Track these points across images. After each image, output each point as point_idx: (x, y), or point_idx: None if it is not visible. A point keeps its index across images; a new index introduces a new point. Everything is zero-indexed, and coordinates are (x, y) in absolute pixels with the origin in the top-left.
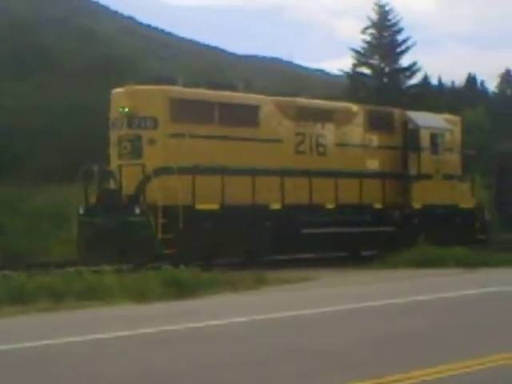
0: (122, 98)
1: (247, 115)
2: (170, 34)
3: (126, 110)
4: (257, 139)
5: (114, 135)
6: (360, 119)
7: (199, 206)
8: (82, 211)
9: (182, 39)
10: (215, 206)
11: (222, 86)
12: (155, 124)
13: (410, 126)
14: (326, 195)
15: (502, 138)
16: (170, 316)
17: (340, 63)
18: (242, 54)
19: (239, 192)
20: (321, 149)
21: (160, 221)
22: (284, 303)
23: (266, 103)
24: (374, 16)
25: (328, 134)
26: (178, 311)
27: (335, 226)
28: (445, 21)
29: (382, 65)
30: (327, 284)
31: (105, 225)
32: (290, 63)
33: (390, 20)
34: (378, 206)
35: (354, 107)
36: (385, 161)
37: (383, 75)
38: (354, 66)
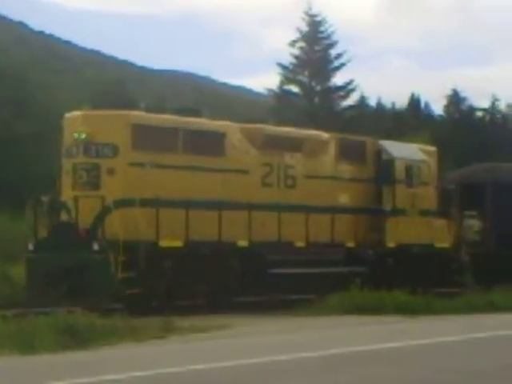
0: (77, 123)
1: (213, 143)
2: (68, 42)
3: (83, 136)
4: (223, 169)
5: (67, 163)
6: (331, 149)
7: (163, 243)
8: (31, 247)
9: (83, 50)
10: (178, 243)
11: (186, 111)
12: (115, 152)
13: (384, 156)
14: (295, 232)
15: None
16: (58, 369)
17: (265, 80)
18: (153, 68)
19: (204, 227)
20: (289, 181)
21: (120, 258)
22: (190, 355)
23: (233, 130)
24: (304, 27)
25: (297, 164)
26: (69, 363)
27: (305, 266)
28: (385, 34)
29: (313, 83)
30: (242, 333)
31: (58, 262)
32: (206, 79)
33: (322, 32)
34: (350, 244)
35: (325, 135)
36: (357, 194)
37: (314, 94)
38: (281, 83)
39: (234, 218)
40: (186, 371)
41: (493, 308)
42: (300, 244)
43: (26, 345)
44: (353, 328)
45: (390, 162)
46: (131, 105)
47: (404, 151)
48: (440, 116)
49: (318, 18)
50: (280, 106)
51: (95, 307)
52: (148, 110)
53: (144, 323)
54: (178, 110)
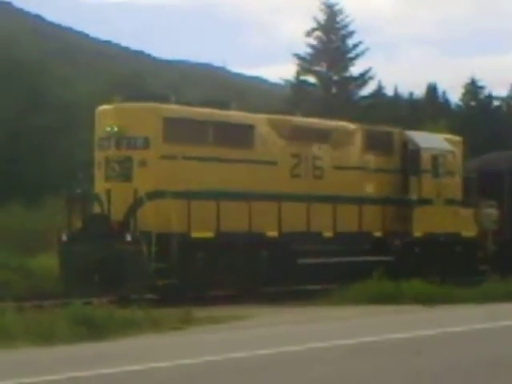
0: (109, 116)
1: (242, 135)
2: (84, 35)
3: (115, 128)
4: (252, 161)
5: (99, 156)
6: (358, 140)
7: (194, 234)
8: (65, 238)
9: (99, 41)
10: (210, 234)
11: (215, 104)
12: (147, 144)
13: (410, 146)
14: (323, 222)
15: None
16: (75, 360)
17: (281, 70)
18: (169, 59)
19: (234, 218)
20: (317, 172)
21: (153, 249)
22: (211, 346)
23: (261, 122)
24: (321, 17)
25: (325, 155)
26: (86, 355)
27: (333, 255)
28: (403, 23)
29: (330, 73)
30: (260, 324)
31: (92, 253)
32: (222, 69)
33: (339, 22)
34: (377, 234)
35: (351, 126)
36: (384, 185)
37: (331, 84)
38: (298, 73)
39: (263, 209)
40: (202, 362)
41: (511, 297)
42: (328, 234)
43: (44, 336)
44: (372, 317)
45: (416, 152)
46: (162, 97)
47: (430, 141)
48: (457, 105)
49: (336, 8)
50: (297, 96)
51: (128, 298)
52: (178, 102)
53: (163, 314)
54: (207, 103)
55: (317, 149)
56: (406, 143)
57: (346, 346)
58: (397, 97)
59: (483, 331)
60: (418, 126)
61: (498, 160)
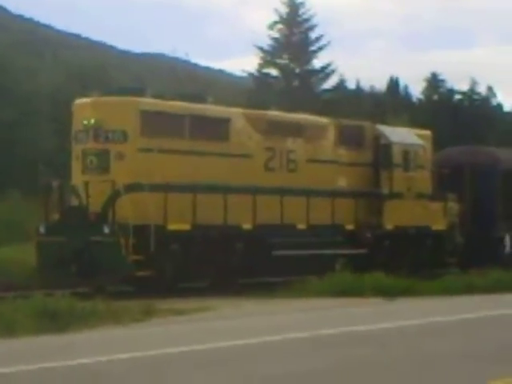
0: (87, 110)
1: (218, 129)
2: (48, 26)
3: (93, 122)
4: (227, 154)
5: (77, 149)
6: (330, 134)
7: (171, 226)
8: (42, 230)
9: (65, 33)
10: (186, 226)
11: (192, 97)
12: (124, 137)
13: (382, 141)
14: (297, 215)
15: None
16: (36, 352)
17: (244, 63)
18: (133, 51)
19: (211, 211)
20: (291, 165)
21: (130, 241)
22: (166, 338)
23: (237, 116)
24: (284, 10)
25: (298, 149)
26: (47, 347)
27: (306, 247)
28: (365, 17)
29: (292, 65)
30: (222, 316)
31: (69, 245)
32: (186, 62)
33: (301, 15)
34: (349, 226)
35: (324, 121)
36: (356, 178)
37: (293, 77)
38: (260, 66)
39: (238, 202)
40: (155, 355)
41: (471, 290)
42: (301, 226)
43: (5, 328)
44: (332, 310)
45: (388, 146)
46: (139, 91)
47: (401, 136)
48: (419, 99)
49: (298, 1)
50: (259, 89)
51: (105, 289)
52: (155, 96)
53: (125, 306)
54: (184, 96)
55: (291, 143)
56: (377, 137)
57: (301, 339)
58: (359, 90)
59: (440, 324)
60: (380, 119)
61: (458, 154)
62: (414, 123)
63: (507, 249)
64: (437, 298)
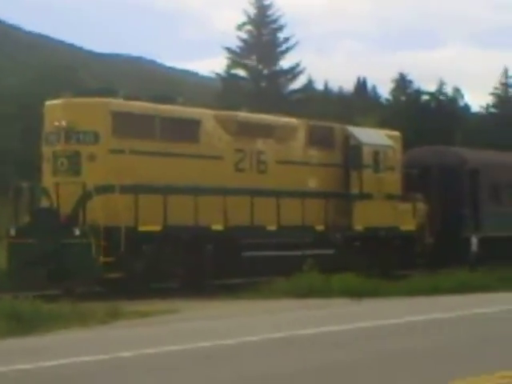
0: (58, 111)
1: (188, 130)
2: (18, 28)
3: (64, 123)
4: (198, 156)
5: (48, 151)
6: (301, 135)
7: (142, 228)
8: (13, 232)
9: (33, 34)
10: (157, 228)
11: (163, 99)
12: (96, 139)
13: (352, 142)
14: (267, 216)
15: None
16: (3, 355)
17: (213, 63)
18: (100, 51)
19: (181, 212)
20: (261, 166)
21: (101, 243)
22: (135, 340)
23: (207, 117)
24: (252, 11)
25: (269, 150)
26: (13, 349)
27: (276, 248)
28: (334, 18)
29: (260, 66)
30: (187, 318)
31: (40, 247)
32: (153, 62)
33: (269, 16)
34: (319, 227)
35: (295, 122)
36: (326, 179)
37: (261, 78)
38: (228, 67)
39: (208, 203)
40: (121, 357)
41: (436, 291)
42: (272, 228)
43: None
44: (297, 311)
45: (358, 147)
46: (110, 92)
47: (371, 137)
48: (387, 100)
49: (266, 2)
50: (227, 90)
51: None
52: (126, 97)
53: (92, 308)
54: (155, 97)
55: (261, 144)
56: (347, 138)
57: (262, 341)
58: (327, 91)
59: (404, 325)
60: (348, 120)
61: (426, 154)
62: (382, 124)
63: (474, 249)
64: (403, 298)
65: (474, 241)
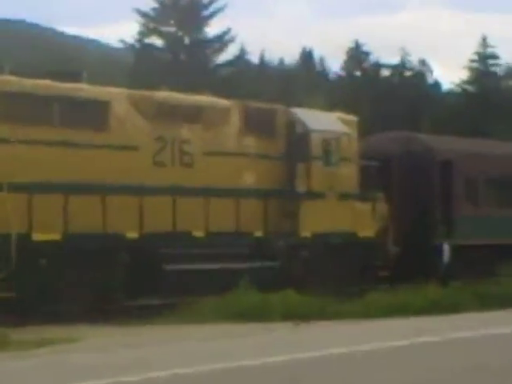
0: None
1: (95, 114)
2: None
3: None
4: (107, 146)
5: None
6: (235, 119)
7: (37, 237)
8: None
9: None
10: (56, 236)
11: (62, 75)
12: None
13: (298, 128)
14: (193, 220)
15: None
16: None
17: (121, 31)
18: None
19: (86, 217)
20: (186, 159)
21: None
22: (24, 375)
23: (119, 99)
24: None
25: (195, 138)
26: None
27: (206, 260)
28: None
29: (180, 34)
30: (88, 348)
31: None
32: (51, 30)
33: None
34: (258, 233)
35: (227, 104)
36: (266, 174)
37: (181, 48)
38: (141, 34)
39: (121, 205)
40: None
41: (400, 311)
42: (199, 234)
43: None
44: (229, 340)
45: (305, 134)
46: None
47: (321, 122)
48: (338, 75)
49: None
50: (139, 63)
51: None
52: (14, 73)
53: None
54: (53, 74)
55: (186, 131)
56: (292, 124)
57: (172, 377)
58: (264, 65)
59: (351, 355)
60: (291, 101)
61: (386, 142)
62: (334, 106)
63: (445, 259)
64: (358, 321)
65: (446, 249)
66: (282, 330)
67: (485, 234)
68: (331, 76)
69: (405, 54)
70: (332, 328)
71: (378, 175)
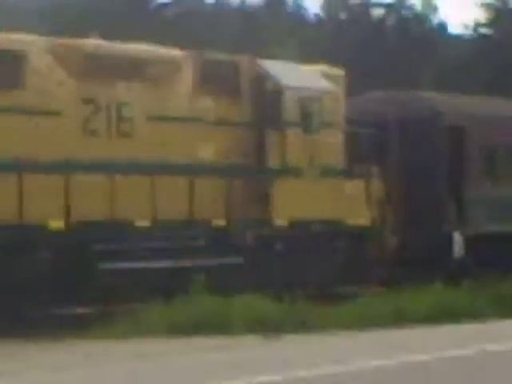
0: None
1: (5, 69)
2: None
3: None
4: (21, 110)
5: None
6: (187, 75)
7: None
8: None
9: None
10: None
11: None
12: None
13: (269, 85)
14: (136, 205)
15: None
16: None
17: None
18: None
19: None
20: (125, 126)
21: None
22: None
23: (37, 49)
24: None
25: (136, 100)
26: None
27: (151, 257)
28: None
29: None
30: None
31: None
32: None
33: None
34: (218, 222)
35: (177, 55)
36: (228, 145)
37: None
38: None
39: (41, 186)
40: None
41: (400, 319)
42: (143, 223)
43: None
44: (175, 358)
45: (278, 93)
46: None
47: (298, 77)
48: (318, 16)
49: None
50: (57, 4)
51: None
52: None
53: None
54: None
55: (123, 90)
56: (260, 80)
57: None
58: (220, 4)
59: (336, 377)
60: (258, 51)
61: (380, 103)
62: (310, 56)
63: (457, 252)
64: (346, 333)
65: (458, 240)
66: (246, 346)
67: (507, 220)
68: (309, 19)
69: None
70: (312, 342)
71: (372, 146)
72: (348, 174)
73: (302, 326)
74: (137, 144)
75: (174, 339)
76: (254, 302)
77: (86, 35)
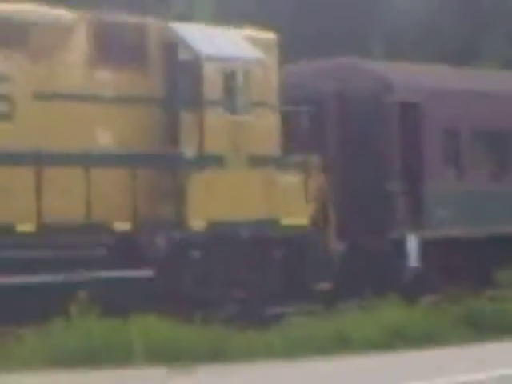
0: None
1: None
2: None
3: None
4: None
5: None
6: (81, 42)
7: None
8: None
9: None
10: None
11: None
12: None
13: (183, 54)
14: (16, 205)
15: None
16: None
17: None
18: None
19: None
20: (3, 106)
21: None
22: None
23: None
24: None
25: (17, 74)
26: None
27: (34, 270)
28: None
29: None
30: None
31: None
32: None
33: None
34: (121, 225)
35: (68, 17)
36: (133, 130)
37: None
38: None
39: None
40: None
41: (343, 345)
42: (26, 228)
43: None
44: None
45: (194, 64)
46: None
47: (219, 44)
48: None
49: None
50: None
51: None
52: None
53: None
54: None
55: (1, 62)
56: (172, 47)
57: None
58: None
59: None
60: (165, 10)
61: (317, 75)
62: (228, 15)
63: (411, 261)
64: (273, 363)
65: (414, 245)
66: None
67: (474, 219)
68: None
69: None
70: (231, 375)
71: (311, 128)
72: (282, 163)
73: (219, 354)
74: (17, 128)
75: (55, 373)
76: (160, 326)
77: None
